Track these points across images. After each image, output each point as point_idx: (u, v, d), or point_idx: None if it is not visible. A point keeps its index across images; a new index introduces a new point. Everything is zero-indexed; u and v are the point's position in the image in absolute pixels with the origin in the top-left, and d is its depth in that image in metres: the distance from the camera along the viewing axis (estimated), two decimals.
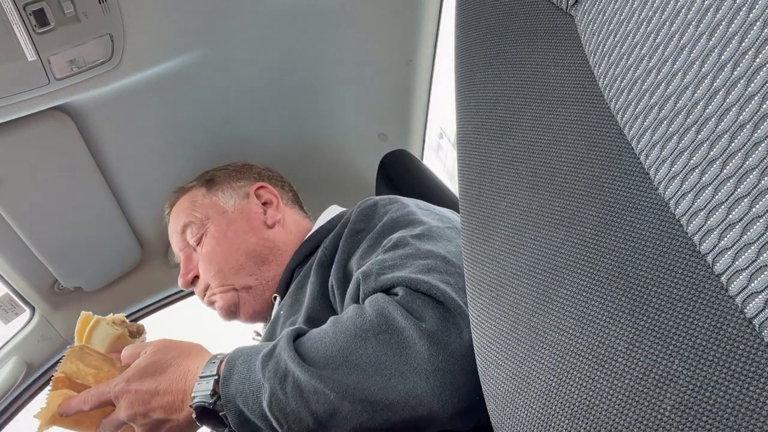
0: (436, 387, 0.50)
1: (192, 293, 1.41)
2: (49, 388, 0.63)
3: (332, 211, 0.95)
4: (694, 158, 0.28)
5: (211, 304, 0.95)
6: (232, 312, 0.93)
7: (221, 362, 0.60)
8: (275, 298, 0.89)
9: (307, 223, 1.01)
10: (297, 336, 0.59)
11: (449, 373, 0.51)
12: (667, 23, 0.31)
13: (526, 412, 0.36)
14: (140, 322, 1.37)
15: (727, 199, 0.26)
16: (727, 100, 0.26)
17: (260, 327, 1.01)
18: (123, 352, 0.68)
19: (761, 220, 0.25)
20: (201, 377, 0.59)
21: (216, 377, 0.58)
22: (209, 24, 0.91)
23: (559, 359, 0.34)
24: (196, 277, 0.95)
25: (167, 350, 0.64)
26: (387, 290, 0.60)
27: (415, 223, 0.70)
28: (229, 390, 0.56)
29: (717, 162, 0.27)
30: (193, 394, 0.58)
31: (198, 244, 0.94)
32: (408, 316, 0.54)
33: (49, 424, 0.63)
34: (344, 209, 0.93)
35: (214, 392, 0.57)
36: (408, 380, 0.51)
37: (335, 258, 0.74)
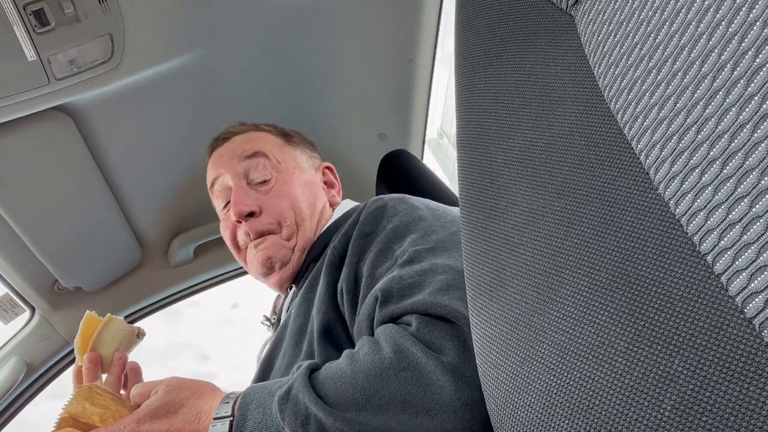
0: (465, 421, 0.50)
1: (188, 294, 1.42)
2: (52, 428, 0.61)
3: (345, 205, 0.94)
4: (694, 158, 0.28)
5: (257, 245, 0.85)
6: (271, 270, 0.85)
7: (235, 402, 0.58)
8: (290, 287, 0.88)
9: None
10: (310, 372, 0.58)
11: (477, 405, 0.50)
12: (667, 23, 0.31)
13: (526, 412, 0.36)
14: (140, 322, 1.37)
15: (727, 199, 0.26)
16: (727, 100, 0.26)
17: (268, 311, 1.01)
18: (132, 390, 0.66)
19: (761, 220, 0.25)
20: (215, 418, 0.57)
21: (231, 418, 0.57)
22: (209, 24, 0.91)
23: (559, 359, 0.34)
24: (251, 214, 0.83)
25: (179, 390, 0.63)
26: (401, 317, 0.59)
27: (425, 229, 0.69)
28: None
29: (717, 162, 0.27)
30: None
31: (263, 185, 0.85)
32: (427, 350, 0.53)
33: None
34: (356, 204, 0.91)
35: None
36: (435, 417, 0.50)
37: (345, 260, 0.73)
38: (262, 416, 0.55)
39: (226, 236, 0.90)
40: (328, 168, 0.99)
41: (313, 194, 0.90)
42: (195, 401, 0.61)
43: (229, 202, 0.87)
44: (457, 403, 0.50)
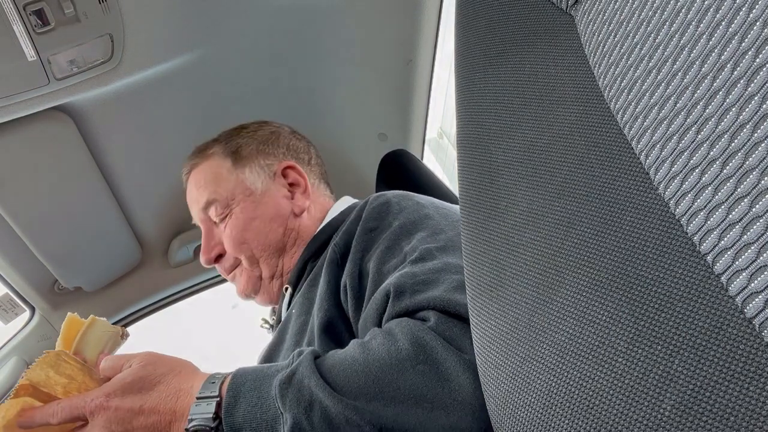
0: (481, 421, 0.48)
1: (190, 294, 1.42)
2: (10, 395, 0.56)
3: (344, 202, 0.93)
4: (694, 158, 0.28)
5: (233, 280, 0.94)
6: (249, 296, 0.93)
7: (222, 383, 0.55)
8: (286, 289, 0.87)
9: (330, 205, 0.96)
10: (315, 357, 0.56)
11: None
12: (667, 23, 0.31)
13: (526, 412, 0.36)
14: (140, 322, 1.37)
15: (727, 199, 0.26)
16: (727, 100, 0.26)
17: (267, 313, 1.01)
18: (102, 363, 0.62)
19: (761, 220, 0.25)
20: (199, 398, 0.53)
21: (218, 399, 0.53)
22: (209, 24, 0.91)
23: (559, 359, 0.34)
24: (220, 255, 0.91)
25: (156, 365, 0.58)
26: (416, 312, 0.57)
27: (434, 228, 0.69)
28: (234, 418, 0.51)
29: (717, 162, 0.27)
30: (190, 416, 0.52)
31: (222, 222, 0.89)
32: (448, 346, 0.51)
33: None
34: (356, 201, 0.91)
35: (217, 416, 0.52)
36: (452, 414, 0.48)
37: (348, 257, 0.72)
38: (257, 399, 0.52)
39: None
40: (289, 167, 0.93)
41: (268, 218, 0.88)
42: (173, 378, 0.57)
43: None
44: (476, 403, 0.48)
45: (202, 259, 0.91)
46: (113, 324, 0.77)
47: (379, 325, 0.62)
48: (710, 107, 0.27)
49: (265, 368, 0.57)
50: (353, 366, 0.52)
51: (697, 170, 0.28)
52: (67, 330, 0.70)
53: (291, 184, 0.93)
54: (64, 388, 0.58)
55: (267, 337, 1.00)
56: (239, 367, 0.58)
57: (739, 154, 0.26)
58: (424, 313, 0.56)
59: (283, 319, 0.84)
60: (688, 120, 0.29)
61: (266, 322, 1.00)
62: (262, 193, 0.89)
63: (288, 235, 0.89)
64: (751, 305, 0.26)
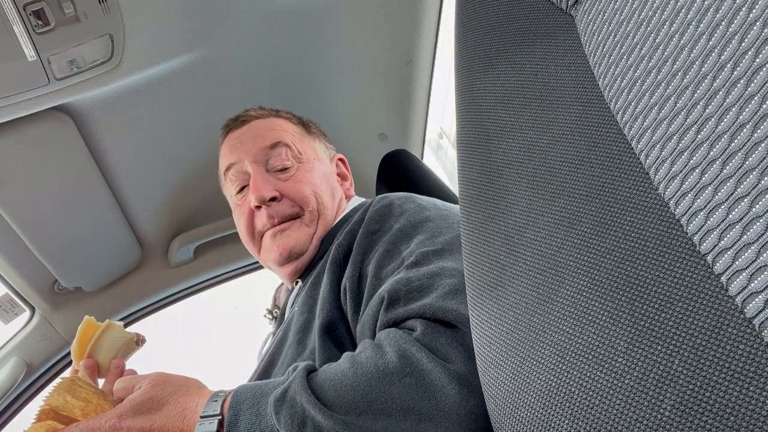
0: (470, 431, 0.49)
1: (188, 294, 1.42)
2: (33, 420, 0.60)
3: (354, 201, 0.94)
4: (694, 158, 0.28)
5: (282, 233, 0.83)
6: (288, 259, 0.84)
7: (224, 401, 0.57)
8: (296, 282, 0.87)
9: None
10: (308, 373, 0.57)
11: (482, 415, 0.48)
12: (667, 23, 0.31)
13: (526, 412, 0.36)
14: (140, 322, 1.37)
15: (727, 199, 0.26)
16: (727, 100, 0.26)
17: (270, 304, 1.02)
18: (115, 384, 0.65)
19: (761, 220, 0.25)
20: (203, 417, 0.56)
21: (220, 417, 0.55)
22: (209, 24, 0.91)
23: (559, 359, 0.34)
24: (273, 199, 0.81)
25: (164, 386, 0.61)
26: (405, 321, 0.58)
27: (433, 230, 0.69)
28: None
29: (717, 162, 0.27)
30: None
31: (282, 172, 0.84)
32: (433, 357, 0.52)
33: None
34: (363, 200, 0.91)
35: None
36: (439, 425, 0.49)
37: (350, 259, 0.72)
38: (256, 417, 0.54)
39: (241, 222, 0.87)
40: (341, 160, 0.99)
41: (331, 185, 0.90)
42: (179, 398, 0.60)
43: (245, 186, 0.86)
44: (462, 412, 0.49)
45: (256, 194, 0.80)
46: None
47: (375, 330, 0.62)
48: (710, 107, 0.27)
49: (263, 385, 0.58)
50: (343, 381, 0.53)
51: (697, 170, 0.28)
52: (83, 333, 0.72)
53: (338, 175, 0.96)
54: (82, 411, 0.62)
55: (268, 332, 0.99)
56: (240, 384, 0.60)
57: (739, 154, 0.26)
58: (412, 323, 0.57)
59: (287, 315, 0.83)
60: (688, 120, 0.29)
61: (269, 312, 1.00)
62: (325, 164, 0.92)
63: (339, 209, 0.89)
64: (751, 305, 0.26)
